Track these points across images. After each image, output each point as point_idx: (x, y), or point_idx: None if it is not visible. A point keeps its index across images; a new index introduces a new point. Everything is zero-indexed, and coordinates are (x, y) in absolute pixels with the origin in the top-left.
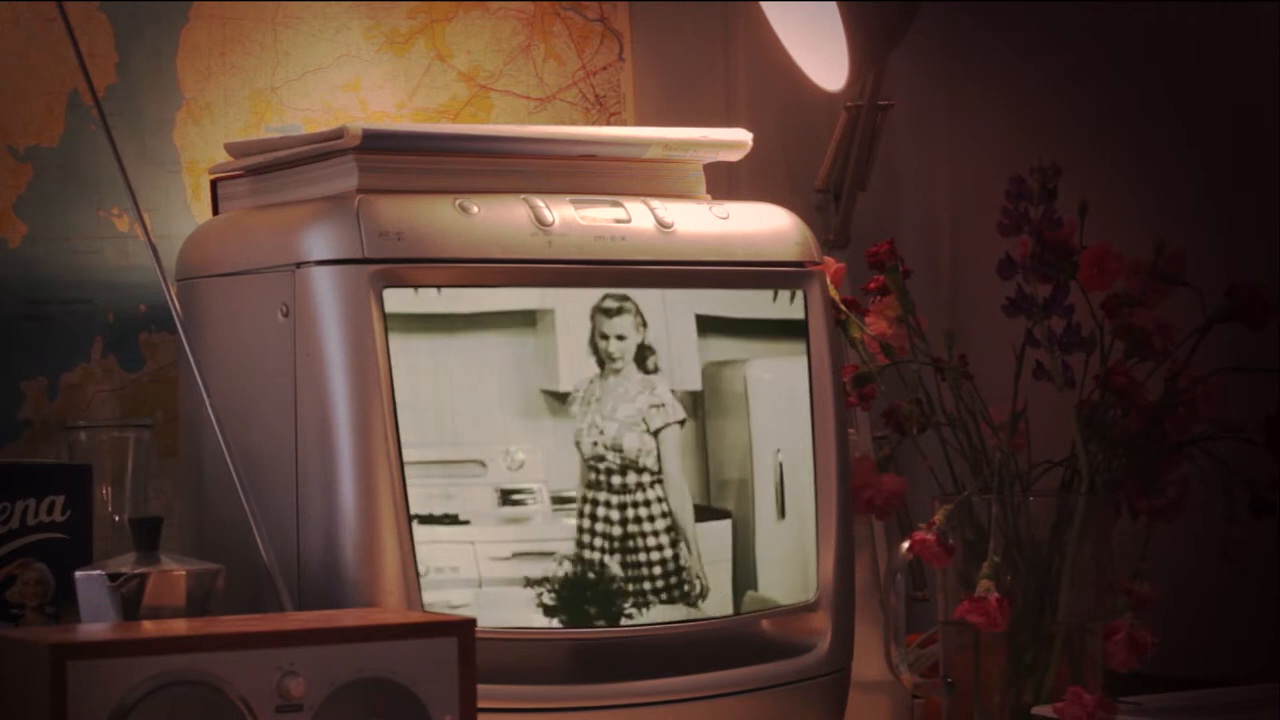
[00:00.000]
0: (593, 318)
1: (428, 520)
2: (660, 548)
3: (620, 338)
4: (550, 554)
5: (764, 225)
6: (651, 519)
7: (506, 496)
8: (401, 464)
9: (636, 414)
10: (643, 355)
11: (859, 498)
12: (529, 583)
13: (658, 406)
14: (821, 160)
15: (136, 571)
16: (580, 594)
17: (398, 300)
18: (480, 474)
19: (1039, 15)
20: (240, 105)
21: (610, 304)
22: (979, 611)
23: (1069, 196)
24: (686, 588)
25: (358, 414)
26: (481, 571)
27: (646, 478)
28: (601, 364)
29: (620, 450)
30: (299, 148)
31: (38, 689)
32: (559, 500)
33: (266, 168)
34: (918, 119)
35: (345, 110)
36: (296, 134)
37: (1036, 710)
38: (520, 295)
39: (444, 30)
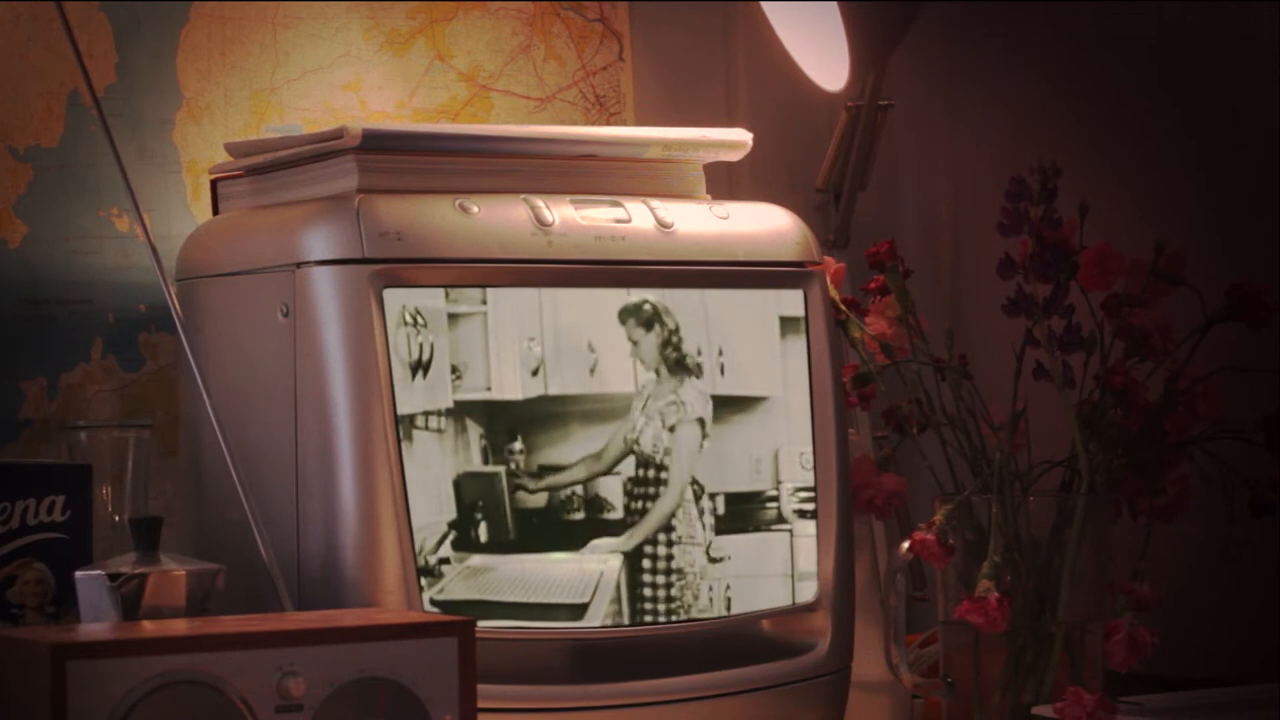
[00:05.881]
0: (623, 321)
1: None
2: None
3: (634, 342)
4: None
5: (764, 225)
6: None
7: None
8: (401, 464)
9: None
10: (674, 357)
11: (859, 498)
12: None
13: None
14: (821, 160)
15: (136, 571)
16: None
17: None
18: None
19: (1039, 15)
20: (240, 105)
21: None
22: (979, 611)
23: (1069, 196)
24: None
25: (358, 414)
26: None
27: (653, 472)
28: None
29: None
30: (299, 148)
31: (38, 689)
32: None
33: (266, 168)
34: (918, 119)
35: (345, 110)
36: (296, 134)
37: (1036, 710)
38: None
39: (444, 30)
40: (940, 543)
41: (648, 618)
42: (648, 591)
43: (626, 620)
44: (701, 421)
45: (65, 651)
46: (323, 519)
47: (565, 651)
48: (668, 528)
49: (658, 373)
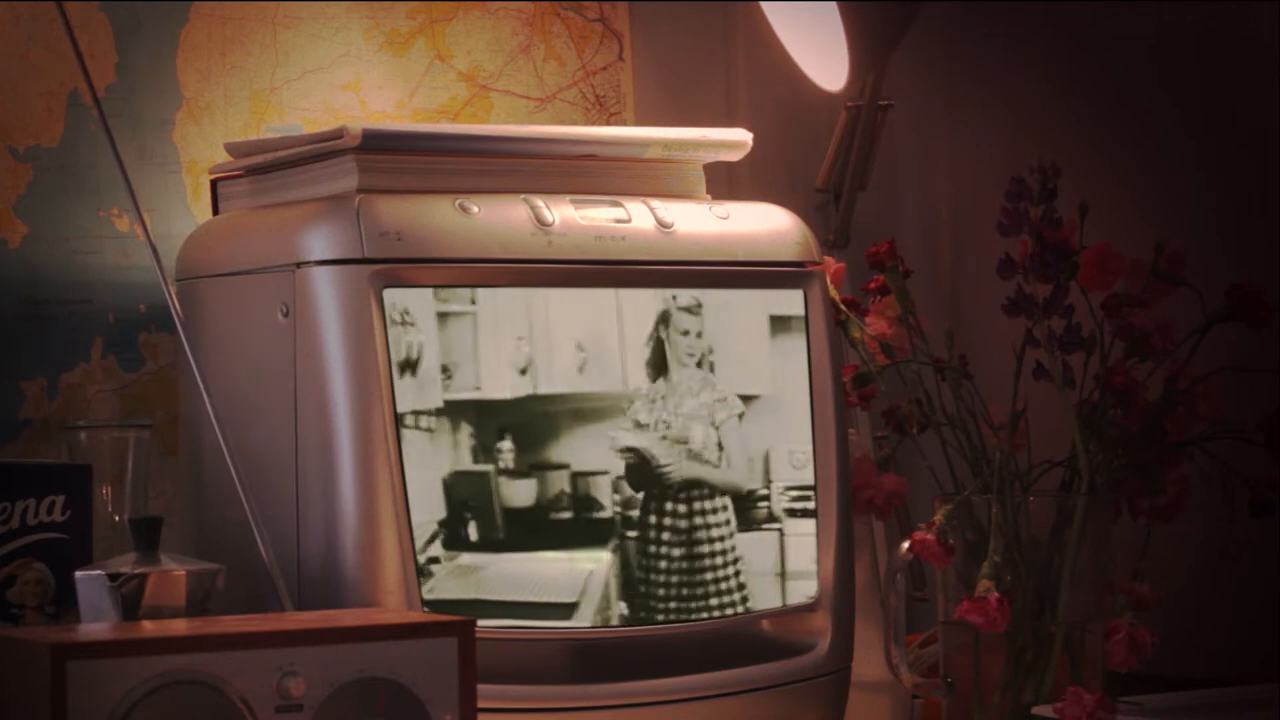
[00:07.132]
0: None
1: None
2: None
3: (685, 333)
4: None
5: (764, 225)
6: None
7: None
8: (401, 464)
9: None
10: (710, 361)
11: (859, 498)
12: None
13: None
14: (821, 160)
15: (136, 571)
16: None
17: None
18: None
19: (1039, 15)
20: (240, 105)
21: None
22: (979, 611)
23: (1069, 196)
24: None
25: (358, 414)
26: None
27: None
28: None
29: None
30: (299, 148)
31: (38, 689)
32: None
33: (266, 168)
34: (918, 119)
35: (345, 110)
36: (296, 134)
37: (1036, 710)
38: None
39: (444, 30)
40: (940, 543)
41: (647, 617)
42: (646, 590)
43: (620, 619)
44: (741, 416)
45: (65, 651)
46: (323, 519)
47: (565, 651)
48: (667, 526)
49: (666, 372)
